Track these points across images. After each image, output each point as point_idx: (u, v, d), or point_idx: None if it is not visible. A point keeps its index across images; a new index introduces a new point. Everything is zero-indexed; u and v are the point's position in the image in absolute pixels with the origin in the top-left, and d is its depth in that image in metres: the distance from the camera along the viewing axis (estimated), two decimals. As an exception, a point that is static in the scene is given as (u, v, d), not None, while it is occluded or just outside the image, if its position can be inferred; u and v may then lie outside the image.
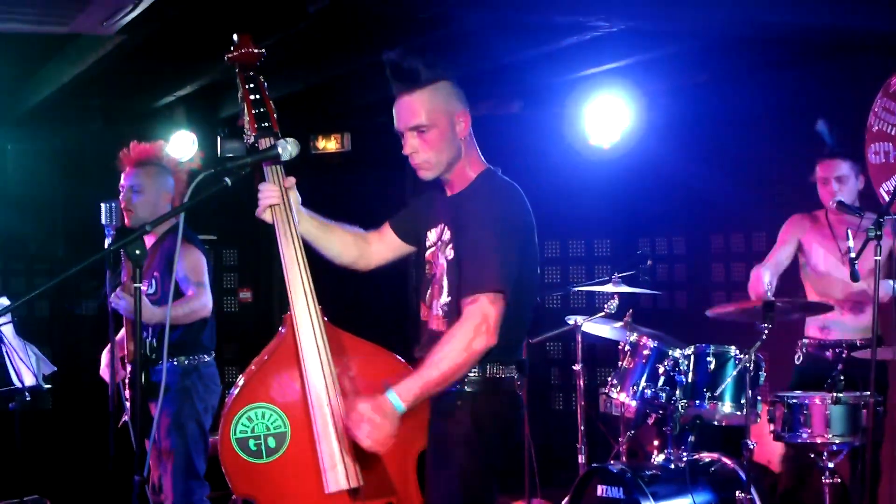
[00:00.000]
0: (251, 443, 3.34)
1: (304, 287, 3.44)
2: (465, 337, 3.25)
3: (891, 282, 5.16)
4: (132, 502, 3.42)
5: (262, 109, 3.58)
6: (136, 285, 3.33)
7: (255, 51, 3.62)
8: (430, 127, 3.40)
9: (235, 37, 3.64)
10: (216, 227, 8.10)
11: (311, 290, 3.44)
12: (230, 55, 3.63)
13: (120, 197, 5.15)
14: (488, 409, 3.39)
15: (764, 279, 5.22)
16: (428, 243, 3.60)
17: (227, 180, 3.33)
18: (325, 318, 3.45)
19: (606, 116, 7.50)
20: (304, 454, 3.36)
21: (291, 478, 3.37)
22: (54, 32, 5.74)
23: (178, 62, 6.87)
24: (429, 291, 3.55)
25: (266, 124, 3.56)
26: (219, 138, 8.12)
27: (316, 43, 6.49)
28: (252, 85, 3.61)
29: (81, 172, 7.95)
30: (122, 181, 5.22)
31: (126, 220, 5.03)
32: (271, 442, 3.36)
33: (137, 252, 3.30)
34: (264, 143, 3.52)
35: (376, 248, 3.77)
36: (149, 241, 5.19)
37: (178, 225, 5.15)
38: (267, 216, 3.53)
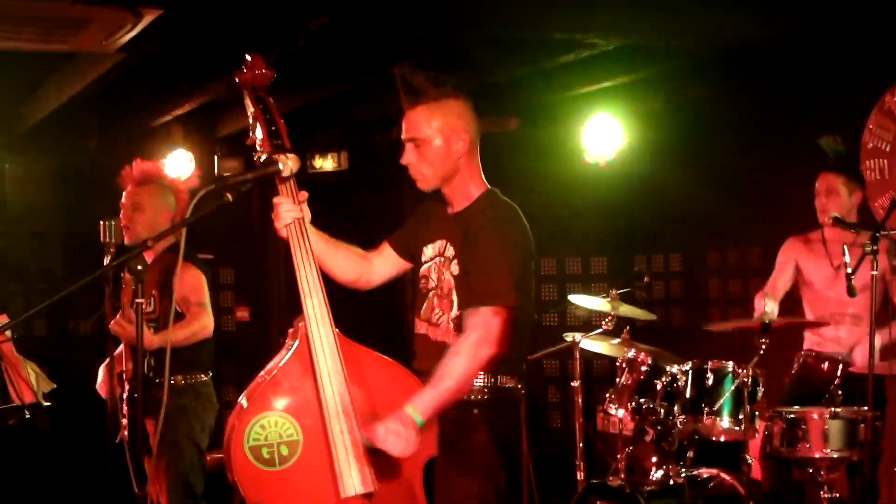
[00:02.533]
0: (264, 451, 3.38)
1: (319, 299, 3.49)
2: (471, 348, 3.36)
3: (877, 342, 5.07)
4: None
5: (273, 128, 3.61)
6: (137, 300, 3.36)
7: (266, 71, 3.65)
8: (426, 142, 3.51)
9: (247, 56, 3.65)
10: (212, 246, 8.12)
11: (324, 303, 3.49)
12: (241, 75, 3.64)
13: (120, 214, 5.17)
14: (502, 417, 3.52)
15: (766, 308, 5.24)
16: (424, 258, 3.68)
17: (229, 196, 3.36)
18: (337, 330, 3.50)
19: (602, 134, 7.54)
20: (315, 462, 3.42)
21: (303, 486, 3.41)
22: (56, 50, 5.76)
23: (177, 81, 6.89)
24: (426, 304, 3.63)
25: (278, 141, 3.59)
26: (216, 157, 8.14)
27: (314, 61, 6.52)
28: (262, 105, 3.64)
29: (79, 191, 7.97)
30: (122, 199, 5.24)
31: (126, 238, 5.04)
32: (283, 450, 3.40)
33: (139, 268, 3.33)
34: (279, 159, 3.53)
35: (377, 266, 3.84)
36: (147, 259, 5.21)
37: (179, 243, 5.21)
38: (283, 232, 3.56)
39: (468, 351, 3.36)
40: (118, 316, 4.78)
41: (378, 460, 3.42)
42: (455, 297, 3.52)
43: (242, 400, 3.49)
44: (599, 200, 8.01)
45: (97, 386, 5.20)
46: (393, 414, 3.33)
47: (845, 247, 4.85)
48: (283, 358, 3.53)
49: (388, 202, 7.93)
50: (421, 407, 3.34)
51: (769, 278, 5.73)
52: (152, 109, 7.66)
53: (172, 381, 5.03)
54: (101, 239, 4.78)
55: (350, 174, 8.49)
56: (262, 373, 3.56)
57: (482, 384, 3.47)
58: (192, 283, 5.06)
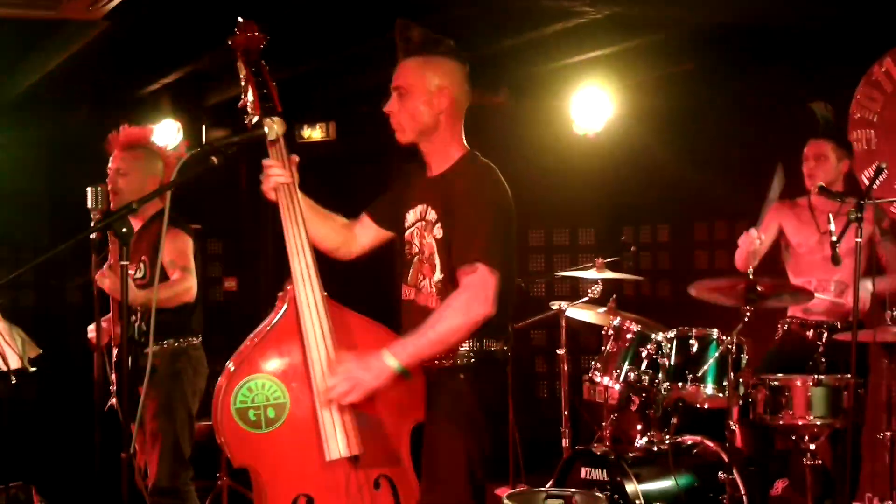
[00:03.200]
0: (251, 413, 3.40)
1: (308, 262, 3.51)
2: (465, 304, 3.36)
3: (869, 284, 5.20)
4: (121, 480, 3.44)
5: (265, 91, 3.64)
6: (122, 263, 3.36)
7: (259, 35, 3.69)
8: (408, 91, 3.54)
9: (240, 19, 3.69)
10: (201, 217, 8.11)
11: (313, 265, 3.51)
12: (234, 39, 3.68)
13: (107, 180, 5.16)
14: (489, 381, 3.52)
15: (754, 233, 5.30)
16: (406, 224, 3.68)
17: (214, 159, 3.36)
18: (325, 293, 3.52)
19: (591, 105, 7.53)
20: (302, 425, 3.43)
21: (290, 448, 3.43)
22: (41, 18, 5.74)
23: (163, 49, 6.87)
24: (412, 270, 3.63)
25: (270, 105, 3.62)
26: (204, 127, 8.12)
27: (301, 31, 6.50)
28: (255, 69, 3.67)
29: (68, 161, 7.94)
30: (109, 164, 5.23)
31: (112, 204, 5.02)
32: (271, 412, 3.42)
33: (124, 230, 3.32)
34: (269, 122, 3.57)
35: (358, 236, 3.87)
36: (136, 225, 5.21)
37: (166, 208, 5.19)
38: (272, 195, 3.60)
39: (461, 306, 3.35)
40: (105, 267, 4.76)
41: (364, 425, 3.44)
42: (437, 261, 3.52)
43: (230, 363, 3.50)
44: (588, 172, 8.01)
45: (88, 334, 5.16)
46: (361, 355, 3.38)
47: (831, 215, 4.87)
48: (271, 321, 3.54)
49: (377, 173, 7.92)
50: (398, 350, 3.36)
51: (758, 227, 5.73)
52: (140, 79, 7.64)
53: (165, 345, 5.04)
54: (88, 205, 4.77)
55: (338, 145, 8.46)
56: (251, 335, 3.57)
57: (468, 349, 3.47)
58: (179, 248, 5.05)
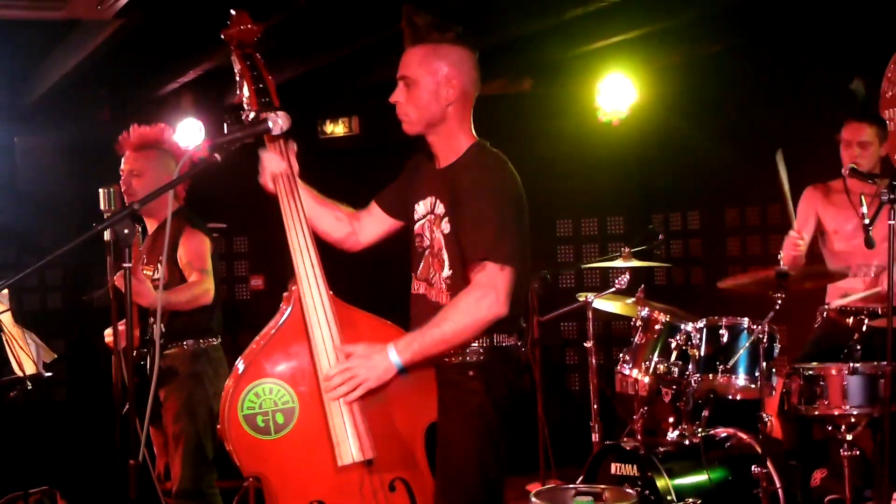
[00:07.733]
0: (259, 419, 3.29)
1: (310, 259, 3.41)
2: (474, 303, 3.23)
3: None
4: (139, 484, 3.35)
5: (261, 85, 3.54)
6: (125, 265, 3.28)
7: (253, 27, 3.58)
8: (415, 81, 3.41)
9: (232, 12, 3.59)
10: (226, 215, 8.07)
11: (316, 262, 3.41)
12: (227, 32, 3.59)
13: (121, 181, 5.09)
14: (500, 377, 3.37)
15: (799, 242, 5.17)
16: (416, 216, 3.57)
17: (217, 156, 3.28)
18: (331, 292, 3.40)
19: (616, 91, 7.41)
20: (313, 429, 3.32)
21: (301, 453, 3.32)
22: (51, 18, 5.68)
23: (180, 47, 6.80)
24: (422, 264, 3.52)
25: (266, 99, 3.52)
26: (225, 125, 8.04)
27: (321, 23, 6.41)
28: (250, 62, 3.58)
29: (90, 163, 7.89)
30: (122, 165, 5.16)
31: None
32: (279, 418, 3.31)
33: (126, 231, 3.24)
34: (269, 117, 3.46)
35: (366, 225, 3.75)
36: (152, 225, 5.14)
37: (184, 209, 5.13)
38: (271, 186, 3.51)
39: (469, 307, 3.23)
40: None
41: (377, 426, 3.33)
42: (445, 256, 3.41)
43: (239, 365, 3.41)
44: (615, 159, 7.89)
45: (105, 339, 5.09)
46: (365, 347, 3.30)
47: (863, 198, 4.71)
48: (277, 323, 3.44)
49: (401, 167, 7.82)
50: (402, 347, 3.26)
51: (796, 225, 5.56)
52: (159, 77, 7.57)
53: (185, 346, 4.97)
54: (101, 207, 4.69)
55: (362, 139, 8.36)
56: (257, 338, 3.47)
57: (478, 345, 3.33)
58: (196, 249, 4.97)
